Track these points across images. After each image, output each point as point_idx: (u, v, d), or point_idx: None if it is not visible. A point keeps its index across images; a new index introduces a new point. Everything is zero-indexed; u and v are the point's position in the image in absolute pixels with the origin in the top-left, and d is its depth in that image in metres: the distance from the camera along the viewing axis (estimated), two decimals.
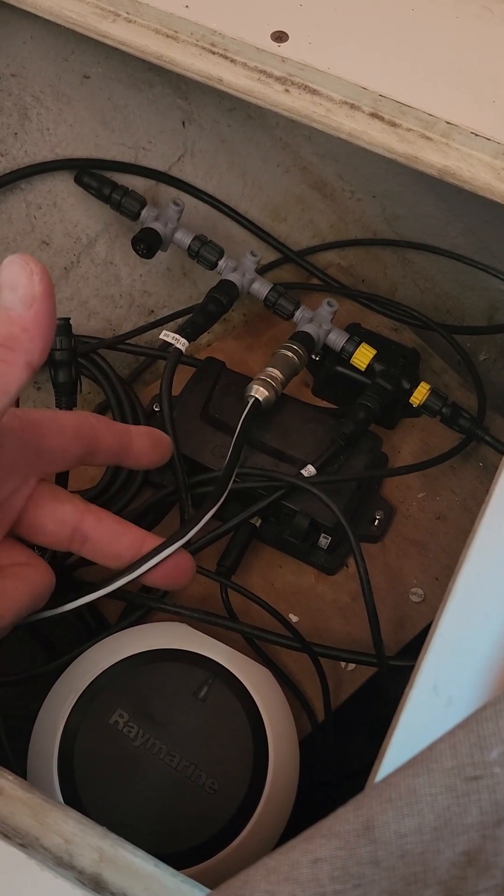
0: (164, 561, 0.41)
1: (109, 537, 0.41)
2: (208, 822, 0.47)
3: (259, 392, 0.60)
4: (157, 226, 0.65)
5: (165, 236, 0.66)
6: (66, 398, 0.56)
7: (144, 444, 0.43)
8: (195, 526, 0.47)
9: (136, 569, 0.42)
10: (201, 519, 0.49)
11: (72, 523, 0.40)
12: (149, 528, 0.60)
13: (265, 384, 0.60)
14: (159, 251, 0.66)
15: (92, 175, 0.68)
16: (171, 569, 0.42)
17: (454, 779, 0.27)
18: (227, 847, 0.47)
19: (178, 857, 0.46)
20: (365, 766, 0.37)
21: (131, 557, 0.41)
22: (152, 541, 0.42)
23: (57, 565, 0.52)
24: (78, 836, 0.33)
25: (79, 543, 0.41)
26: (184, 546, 0.43)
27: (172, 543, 0.42)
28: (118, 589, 0.59)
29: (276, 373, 0.61)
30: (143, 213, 0.66)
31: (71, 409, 0.56)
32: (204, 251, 0.65)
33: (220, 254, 0.65)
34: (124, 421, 0.65)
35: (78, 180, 0.68)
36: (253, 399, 0.60)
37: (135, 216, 0.67)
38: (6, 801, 0.34)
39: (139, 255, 0.66)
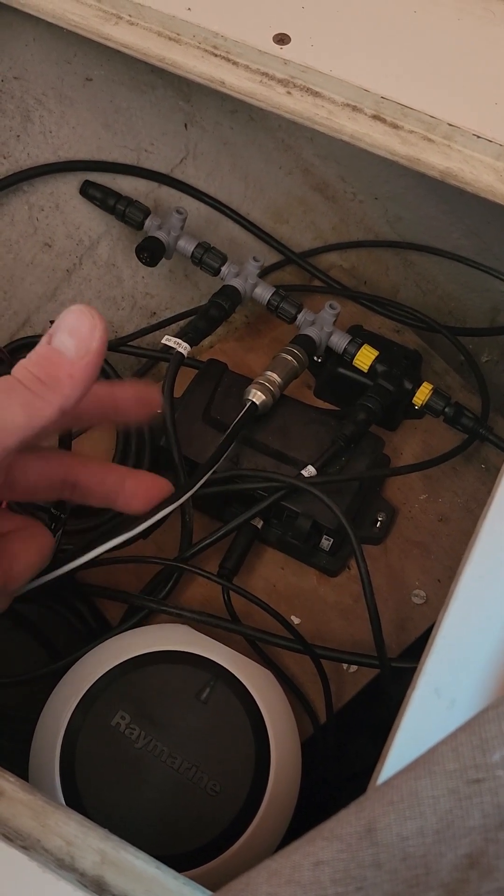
0: (139, 482, 0.43)
1: (96, 479, 0.42)
2: (210, 824, 0.47)
3: (256, 396, 0.60)
4: (161, 234, 0.66)
5: (169, 244, 0.66)
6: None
7: (129, 401, 0.43)
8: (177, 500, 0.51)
9: (127, 531, 0.46)
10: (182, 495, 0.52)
11: (61, 476, 0.42)
12: (150, 530, 0.60)
13: (263, 388, 0.60)
14: (163, 258, 0.66)
15: (96, 187, 0.68)
16: (147, 490, 0.43)
17: (456, 781, 0.27)
18: (229, 849, 0.47)
19: (179, 860, 0.46)
20: (367, 768, 0.37)
21: (118, 493, 0.43)
22: (134, 476, 0.43)
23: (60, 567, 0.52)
24: (79, 839, 0.33)
25: (69, 491, 0.42)
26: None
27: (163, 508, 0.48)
28: (120, 591, 0.59)
29: (275, 376, 0.61)
30: (147, 222, 0.67)
31: None
32: (207, 258, 0.65)
33: (223, 260, 0.66)
34: (126, 425, 0.65)
35: (83, 192, 0.69)
36: (249, 403, 0.60)
37: (139, 226, 0.67)
38: (8, 802, 0.34)
39: (143, 263, 0.66)
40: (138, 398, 0.43)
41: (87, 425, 0.43)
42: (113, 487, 0.42)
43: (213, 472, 0.59)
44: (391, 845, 0.27)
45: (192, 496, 0.58)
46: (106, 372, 0.66)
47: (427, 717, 0.34)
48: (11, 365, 0.58)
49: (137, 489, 0.42)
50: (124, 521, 0.61)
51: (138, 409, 0.43)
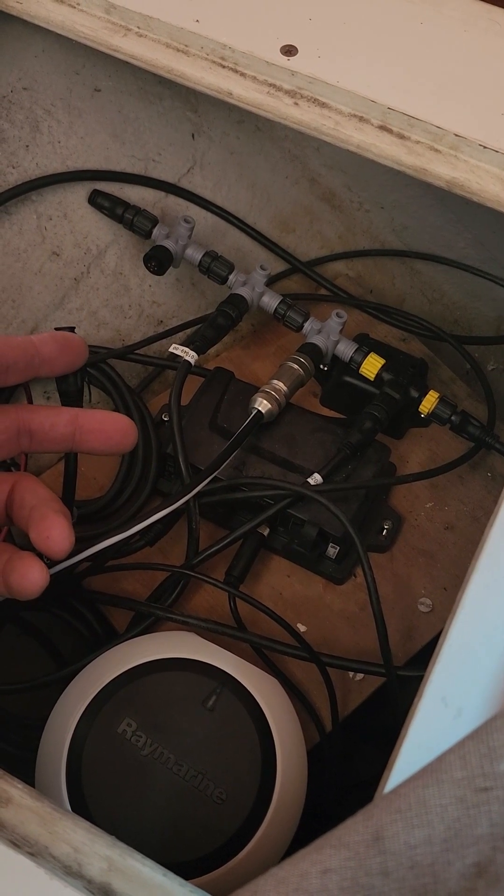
0: (92, 418, 0.43)
1: (48, 422, 0.43)
2: (216, 831, 0.47)
3: (262, 404, 0.60)
4: (169, 243, 0.66)
5: (176, 253, 0.66)
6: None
7: (52, 349, 0.43)
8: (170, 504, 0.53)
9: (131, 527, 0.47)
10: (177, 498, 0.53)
11: (14, 427, 0.43)
12: (157, 536, 0.60)
13: (268, 396, 0.60)
14: (170, 267, 0.67)
15: (105, 196, 0.69)
16: (101, 424, 0.43)
17: (464, 790, 0.27)
18: (235, 857, 0.47)
19: (185, 867, 0.46)
20: (373, 777, 0.37)
21: (73, 433, 0.43)
22: (86, 414, 0.43)
23: (67, 574, 0.53)
24: (87, 846, 0.33)
25: (27, 440, 0.43)
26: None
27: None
28: (127, 599, 0.59)
29: (281, 385, 0.61)
30: (155, 231, 0.67)
31: None
32: (214, 266, 0.66)
33: (230, 269, 0.66)
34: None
35: (91, 201, 0.69)
36: (255, 411, 0.60)
37: (146, 235, 0.67)
38: (15, 809, 0.34)
39: (151, 272, 0.66)
40: (61, 346, 0.43)
41: (17, 379, 0.43)
42: (67, 428, 0.43)
43: (220, 480, 0.59)
44: (399, 854, 0.27)
45: (198, 504, 0.58)
46: (113, 380, 0.67)
47: (434, 726, 0.34)
48: None
49: (92, 425, 0.42)
50: (123, 522, 0.61)
51: (63, 356, 0.43)
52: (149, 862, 0.33)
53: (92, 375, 0.66)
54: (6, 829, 0.34)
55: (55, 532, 0.40)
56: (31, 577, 0.39)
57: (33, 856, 0.33)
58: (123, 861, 0.33)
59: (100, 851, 0.33)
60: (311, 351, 0.63)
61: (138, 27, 0.55)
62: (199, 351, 0.62)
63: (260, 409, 0.60)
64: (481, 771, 0.27)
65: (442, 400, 0.63)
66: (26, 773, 0.50)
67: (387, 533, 0.63)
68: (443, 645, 0.36)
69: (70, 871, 0.33)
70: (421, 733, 0.34)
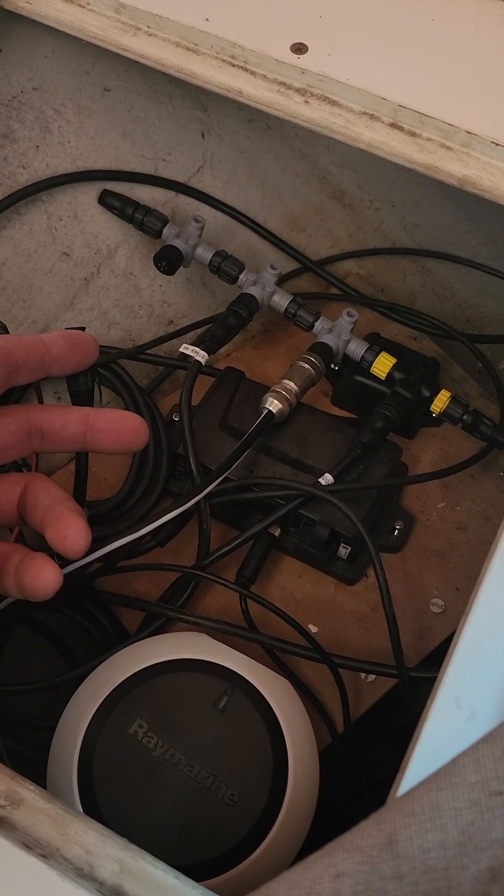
0: (103, 417, 0.43)
1: (59, 422, 0.43)
2: (228, 833, 0.47)
3: (273, 404, 0.60)
4: (179, 243, 0.66)
5: (187, 253, 0.66)
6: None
7: (62, 348, 0.43)
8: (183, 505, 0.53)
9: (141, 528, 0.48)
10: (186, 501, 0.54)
11: (25, 427, 0.42)
12: (168, 537, 0.60)
13: (279, 396, 0.60)
14: (181, 267, 0.67)
15: (115, 196, 0.69)
16: (111, 423, 0.43)
17: (478, 793, 0.27)
18: (247, 859, 0.47)
19: (197, 869, 0.46)
20: (385, 778, 0.37)
21: (84, 433, 0.43)
22: (97, 413, 0.43)
23: (78, 575, 0.53)
24: (99, 848, 0.33)
25: (39, 441, 0.43)
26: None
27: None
28: (138, 599, 0.59)
29: (292, 385, 0.61)
30: (165, 230, 0.67)
31: None
32: (225, 266, 0.66)
33: (241, 268, 0.66)
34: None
35: (101, 201, 0.69)
36: (266, 411, 0.60)
37: (156, 234, 0.67)
38: (27, 811, 0.34)
39: (161, 271, 0.66)
40: (71, 344, 0.43)
41: (28, 379, 0.43)
42: (79, 428, 0.43)
43: (231, 480, 0.59)
44: (412, 858, 0.26)
45: (209, 505, 0.58)
46: (124, 380, 0.67)
47: (447, 729, 0.34)
48: None
49: (103, 424, 0.42)
50: (134, 523, 0.61)
51: (73, 355, 0.43)
52: (161, 864, 0.33)
53: (102, 375, 0.66)
54: (18, 830, 0.33)
55: (72, 531, 0.39)
56: (45, 578, 0.39)
57: (45, 857, 0.33)
58: (135, 863, 0.33)
59: (112, 853, 0.33)
60: (321, 350, 0.63)
61: (148, 26, 0.55)
62: (209, 351, 0.62)
63: (271, 408, 0.60)
64: (495, 774, 0.27)
65: (454, 399, 0.63)
66: (38, 773, 0.50)
67: (398, 533, 0.63)
68: (456, 646, 0.36)
69: (82, 873, 0.33)
70: (434, 736, 0.34)
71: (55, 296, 0.69)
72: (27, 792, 0.34)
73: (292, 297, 0.65)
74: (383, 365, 0.63)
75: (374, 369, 0.64)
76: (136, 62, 0.55)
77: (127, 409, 0.66)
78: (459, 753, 0.28)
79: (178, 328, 0.70)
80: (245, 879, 0.46)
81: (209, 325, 0.68)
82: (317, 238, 0.78)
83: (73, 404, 0.59)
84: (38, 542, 0.64)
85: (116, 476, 0.65)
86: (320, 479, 0.59)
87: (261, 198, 0.75)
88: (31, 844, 0.33)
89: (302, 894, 0.26)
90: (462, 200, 0.71)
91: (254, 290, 0.65)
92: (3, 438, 0.42)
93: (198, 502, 0.56)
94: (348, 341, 0.64)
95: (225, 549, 0.58)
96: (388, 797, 0.34)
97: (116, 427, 0.42)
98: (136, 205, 0.68)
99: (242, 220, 0.74)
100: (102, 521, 0.63)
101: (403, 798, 0.28)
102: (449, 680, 0.35)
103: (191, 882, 0.33)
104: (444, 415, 0.63)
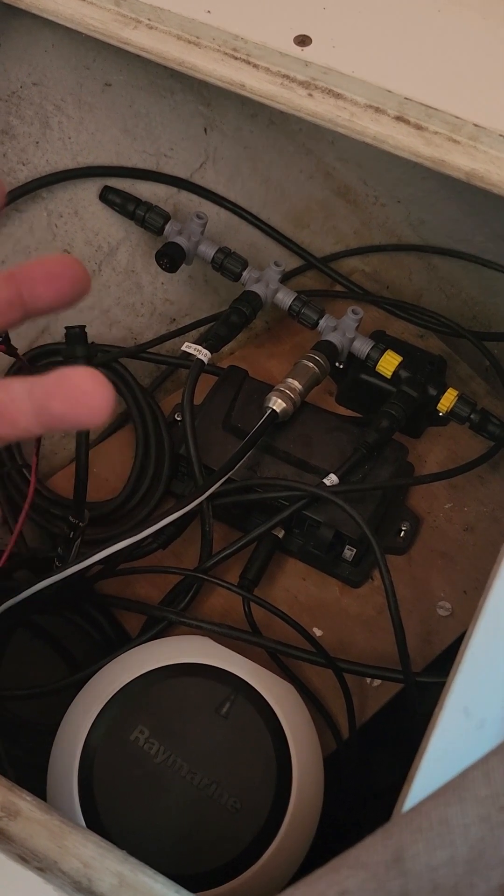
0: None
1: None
2: (231, 841, 0.46)
3: (276, 403, 0.59)
4: (181, 240, 0.65)
5: (189, 250, 0.65)
6: None
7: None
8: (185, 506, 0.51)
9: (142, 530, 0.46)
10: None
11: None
12: (170, 539, 0.59)
13: (283, 395, 0.59)
14: (183, 264, 0.66)
15: (116, 192, 0.68)
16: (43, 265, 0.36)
17: (488, 808, 0.26)
18: (250, 868, 0.46)
19: (199, 879, 0.45)
20: (391, 785, 0.36)
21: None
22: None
23: (79, 577, 0.52)
24: (97, 861, 0.32)
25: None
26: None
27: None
28: (140, 602, 0.58)
29: (296, 384, 0.60)
30: (167, 227, 0.66)
31: None
32: (227, 263, 0.65)
33: (244, 265, 0.65)
34: (146, 433, 0.64)
35: (102, 198, 0.68)
36: (270, 410, 0.59)
37: (158, 231, 0.66)
38: (25, 822, 0.33)
39: (163, 268, 0.65)
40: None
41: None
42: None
43: (234, 481, 0.58)
44: (420, 875, 0.25)
45: (211, 506, 0.57)
46: (125, 379, 0.66)
47: (455, 738, 0.33)
48: (31, 372, 0.58)
49: (35, 272, 0.34)
50: (135, 525, 0.60)
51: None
52: (161, 878, 0.32)
53: (103, 374, 0.65)
54: (14, 842, 0.33)
55: (86, 383, 0.27)
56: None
57: (42, 871, 0.32)
58: (135, 877, 0.32)
59: (110, 867, 0.32)
60: (326, 349, 0.62)
61: (149, 19, 0.54)
62: (212, 349, 0.61)
63: (274, 408, 0.59)
64: None
65: (461, 398, 0.62)
66: (38, 779, 0.49)
67: (404, 534, 0.62)
68: (464, 653, 0.35)
69: (80, 887, 0.32)
70: (442, 746, 0.33)
71: None
72: (24, 803, 0.33)
73: (296, 294, 0.64)
74: (389, 363, 0.62)
75: (380, 368, 0.63)
76: (138, 56, 0.54)
77: (129, 408, 0.65)
78: (469, 766, 0.27)
79: (180, 326, 0.69)
80: (248, 889, 0.46)
81: (212, 324, 0.67)
82: (321, 234, 0.77)
83: None
84: (38, 541, 0.63)
85: (118, 477, 0.64)
86: (325, 480, 0.58)
87: (264, 194, 0.74)
88: (27, 857, 0.32)
89: None
90: (469, 195, 0.69)
91: (257, 288, 0.64)
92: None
93: (200, 504, 0.55)
94: (353, 339, 0.63)
95: (228, 552, 0.57)
96: (394, 809, 0.33)
97: (49, 269, 0.35)
98: (138, 201, 0.68)
99: (245, 216, 0.73)
100: (104, 522, 0.62)
101: (410, 813, 0.27)
102: (457, 688, 0.34)
103: None
104: (452, 414, 0.62)
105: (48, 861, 0.32)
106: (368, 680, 0.57)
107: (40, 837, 0.33)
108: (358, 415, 0.67)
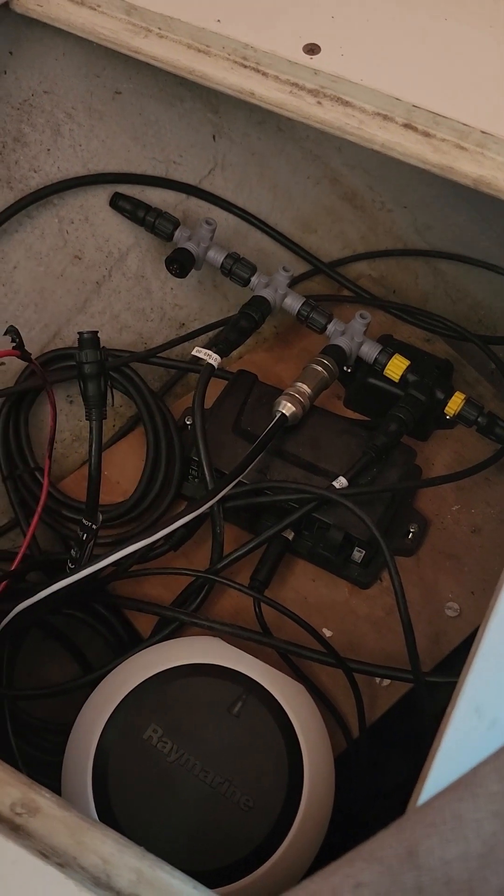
0: None
1: None
2: (244, 839, 0.47)
3: (286, 407, 0.60)
4: (190, 245, 0.66)
5: (198, 256, 0.66)
6: (96, 410, 0.56)
7: None
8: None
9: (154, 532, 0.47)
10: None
11: None
12: (181, 541, 0.60)
13: (292, 399, 0.60)
14: (192, 270, 0.66)
15: (126, 199, 0.69)
16: None
17: (500, 804, 0.27)
18: (263, 865, 0.46)
19: (213, 875, 0.46)
20: (401, 784, 0.37)
21: None
22: None
23: (92, 579, 0.53)
24: (115, 857, 0.33)
25: None
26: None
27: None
28: (151, 603, 0.59)
29: (305, 388, 0.60)
30: (177, 233, 0.67)
31: (101, 422, 0.56)
32: (236, 268, 0.65)
33: (253, 270, 0.66)
34: (156, 436, 0.65)
35: (112, 204, 0.69)
36: (279, 414, 0.59)
37: (168, 237, 0.67)
38: (44, 819, 0.34)
39: (173, 274, 0.66)
40: None
41: None
42: None
43: (245, 484, 0.59)
44: (433, 869, 0.26)
45: (222, 508, 0.58)
46: (136, 383, 0.66)
47: (467, 737, 0.33)
48: (43, 377, 0.59)
49: None
50: (147, 527, 0.61)
51: None
52: (178, 874, 0.33)
53: (114, 379, 0.66)
54: (35, 839, 0.33)
55: None
56: None
57: (62, 867, 0.32)
58: (153, 873, 0.32)
59: (129, 863, 0.33)
60: (334, 353, 0.63)
61: (159, 28, 0.54)
62: (222, 354, 0.62)
63: (284, 412, 0.60)
64: None
65: (468, 401, 0.62)
66: (53, 777, 0.49)
67: (413, 536, 0.63)
68: (476, 653, 0.35)
69: (99, 883, 0.32)
70: (454, 744, 0.33)
71: (67, 299, 0.69)
72: (43, 800, 0.34)
73: (304, 299, 0.65)
74: (397, 367, 0.63)
75: (388, 371, 0.63)
76: (148, 64, 0.55)
77: (139, 412, 0.66)
78: (481, 762, 0.28)
79: (189, 331, 0.70)
80: (261, 886, 0.46)
81: (221, 328, 0.68)
82: (328, 240, 0.77)
83: (86, 409, 0.59)
84: (49, 543, 0.64)
85: (129, 480, 0.65)
86: (334, 483, 0.58)
87: (272, 200, 0.75)
88: (47, 853, 0.33)
89: None
90: (475, 201, 0.70)
91: (266, 293, 0.65)
92: None
93: (211, 506, 0.56)
94: (361, 343, 0.64)
95: (238, 553, 0.57)
96: (407, 806, 0.34)
97: None
98: (148, 207, 0.68)
99: (254, 222, 0.74)
100: (116, 525, 0.63)
101: (424, 808, 0.27)
102: (469, 687, 0.34)
103: (209, 892, 0.32)
104: (459, 417, 0.63)
105: (68, 857, 0.33)
106: (378, 680, 0.58)
107: (60, 834, 0.33)
108: (366, 418, 0.68)
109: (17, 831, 0.33)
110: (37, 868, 0.32)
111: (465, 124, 0.49)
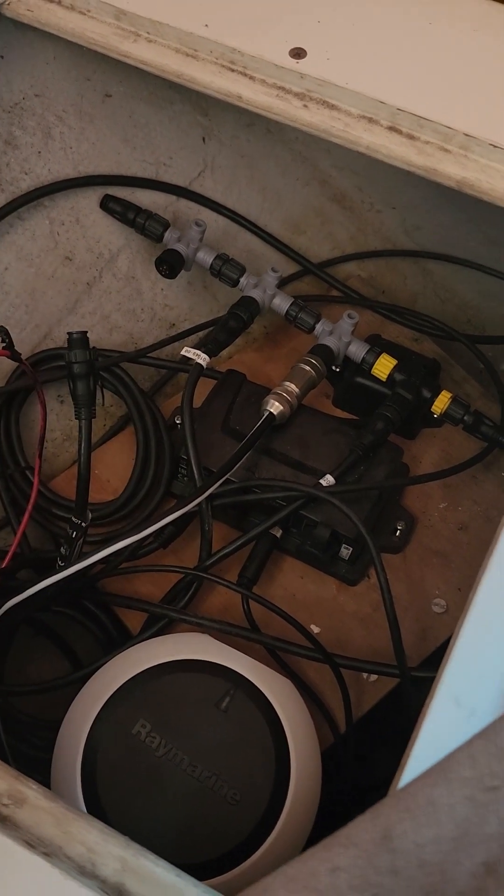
0: None
1: None
2: (230, 833, 0.47)
3: (274, 406, 0.60)
4: (180, 247, 0.66)
5: (188, 257, 0.67)
6: (85, 410, 0.57)
7: None
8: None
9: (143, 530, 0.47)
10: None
11: None
12: (170, 538, 0.61)
13: (280, 398, 0.61)
14: (182, 270, 0.67)
15: (116, 200, 0.69)
16: None
17: (473, 789, 0.27)
18: (249, 859, 0.47)
19: (199, 868, 0.46)
20: (387, 778, 0.37)
21: None
22: None
23: (81, 576, 0.53)
24: (101, 846, 0.33)
25: None
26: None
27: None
28: (141, 600, 0.59)
29: (293, 387, 0.61)
30: (166, 234, 0.67)
31: (90, 421, 0.56)
32: (226, 269, 0.66)
33: (242, 271, 0.66)
34: (146, 435, 0.66)
35: (103, 206, 0.70)
36: (267, 413, 0.60)
37: (158, 238, 0.68)
38: (30, 810, 0.34)
39: (162, 275, 0.67)
40: None
41: None
42: None
43: (233, 482, 0.59)
44: (408, 852, 0.27)
45: (210, 506, 0.59)
46: (126, 383, 0.67)
47: (446, 727, 0.34)
48: (33, 377, 0.59)
49: None
50: (136, 525, 0.62)
51: None
52: (162, 862, 0.33)
53: (104, 379, 0.66)
54: (21, 829, 0.34)
55: None
56: None
57: (48, 856, 0.33)
58: (137, 861, 0.33)
59: (114, 852, 0.33)
60: (322, 352, 0.63)
61: (148, 32, 0.55)
62: (211, 353, 0.63)
63: (272, 410, 0.60)
64: (490, 770, 0.27)
65: (455, 400, 0.63)
66: (42, 773, 0.50)
67: (400, 534, 0.63)
68: (455, 645, 0.36)
69: (84, 871, 0.33)
70: (433, 734, 0.34)
71: (58, 300, 0.70)
72: (30, 791, 0.35)
73: (293, 299, 0.66)
74: (384, 366, 0.64)
75: (375, 371, 0.64)
76: (137, 68, 0.55)
77: (129, 412, 0.67)
78: (454, 749, 0.28)
79: (179, 331, 0.70)
80: (247, 879, 0.47)
81: (210, 329, 0.68)
82: (317, 241, 0.78)
83: (76, 408, 0.60)
84: (39, 541, 0.65)
85: (119, 479, 0.65)
86: (321, 481, 0.59)
87: (261, 201, 0.76)
88: (33, 843, 0.33)
89: (299, 888, 0.26)
90: (462, 202, 0.70)
91: (255, 293, 0.65)
92: None
93: (200, 504, 0.57)
94: (349, 343, 0.64)
95: (227, 551, 0.58)
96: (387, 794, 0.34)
97: None
98: (138, 209, 0.69)
99: (243, 223, 0.74)
100: (105, 522, 0.63)
101: (399, 793, 0.28)
102: (448, 678, 0.35)
103: (192, 880, 0.33)
104: (445, 416, 0.63)
105: (54, 846, 0.34)
106: (365, 675, 0.58)
107: (46, 824, 0.34)
108: (354, 417, 0.69)
109: (4, 822, 0.34)
110: (23, 858, 0.33)
111: (448, 127, 0.50)
